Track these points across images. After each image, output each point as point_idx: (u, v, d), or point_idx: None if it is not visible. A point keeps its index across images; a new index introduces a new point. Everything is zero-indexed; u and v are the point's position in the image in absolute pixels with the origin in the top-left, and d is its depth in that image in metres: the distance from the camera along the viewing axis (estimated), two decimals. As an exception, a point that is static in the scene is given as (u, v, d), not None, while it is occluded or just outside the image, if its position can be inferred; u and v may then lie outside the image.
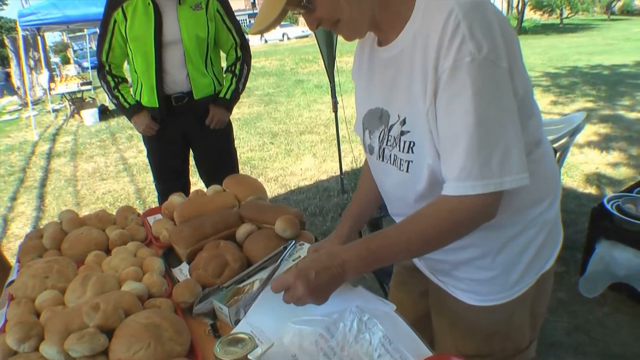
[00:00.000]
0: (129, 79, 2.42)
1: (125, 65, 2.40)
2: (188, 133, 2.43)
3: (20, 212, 4.54)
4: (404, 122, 0.88)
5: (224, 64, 2.48)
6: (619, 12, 28.45)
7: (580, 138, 4.62)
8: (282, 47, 23.93)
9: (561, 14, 24.54)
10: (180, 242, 1.33)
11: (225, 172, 1.82)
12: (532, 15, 24.82)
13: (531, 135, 0.87)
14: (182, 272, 1.29)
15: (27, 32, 9.71)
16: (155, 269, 1.21)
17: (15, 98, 13.94)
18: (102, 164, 5.95)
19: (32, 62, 11.23)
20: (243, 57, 2.43)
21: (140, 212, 1.72)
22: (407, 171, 0.91)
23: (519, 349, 1.04)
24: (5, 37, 14.62)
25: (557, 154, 2.75)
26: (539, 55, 12.00)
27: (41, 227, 1.66)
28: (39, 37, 10.80)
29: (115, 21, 2.19)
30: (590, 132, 5.08)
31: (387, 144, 0.94)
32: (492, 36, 0.75)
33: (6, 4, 31.48)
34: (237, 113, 7.69)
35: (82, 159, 6.33)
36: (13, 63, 12.97)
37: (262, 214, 1.43)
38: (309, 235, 1.38)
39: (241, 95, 2.48)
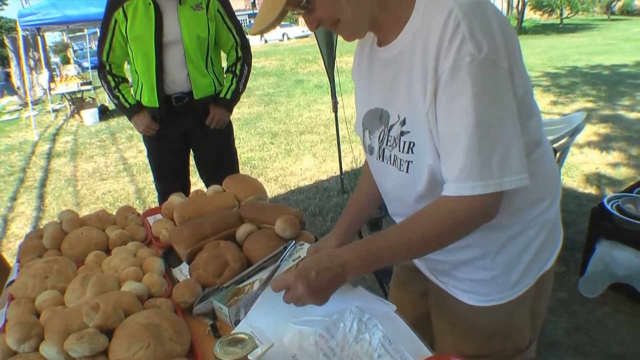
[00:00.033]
0: (130, 79, 2.43)
1: (126, 65, 2.40)
2: (188, 133, 2.43)
3: (20, 212, 4.54)
4: (403, 123, 0.88)
5: (224, 64, 2.48)
6: (619, 12, 28.45)
7: (580, 138, 4.62)
8: (282, 47, 23.94)
9: (561, 14, 24.54)
10: (180, 242, 1.33)
11: (225, 172, 1.82)
12: (532, 15, 24.82)
13: (531, 135, 0.87)
14: (182, 272, 1.29)
15: (27, 32, 9.71)
16: (155, 269, 1.21)
17: (15, 98, 13.94)
18: (102, 164, 5.94)
19: (32, 62, 11.23)
20: (244, 57, 2.43)
21: (140, 212, 1.72)
22: (407, 171, 0.91)
23: (519, 349, 1.04)
24: (5, 37, 14.63)
25: (557, 154, 2.75)
26: (539, 55, 12.00)
27: (41, 227, 1.66)
28: (39, 37, 10.80)
29: (116, 21, 2.19)
30: (590, 132, 5.08)
31: (387, 144, 0.94)
32: (492, 36, 0.75)
33: (6, 4, 31.49)
34: (237, 113, 7.69)
35: (82, 159, 6.33)
36: (13, 63, 12.97)
37: (262, 214, 1.43)
38: (309, 236, 1.38)
39: (241, 96, 2.49)
